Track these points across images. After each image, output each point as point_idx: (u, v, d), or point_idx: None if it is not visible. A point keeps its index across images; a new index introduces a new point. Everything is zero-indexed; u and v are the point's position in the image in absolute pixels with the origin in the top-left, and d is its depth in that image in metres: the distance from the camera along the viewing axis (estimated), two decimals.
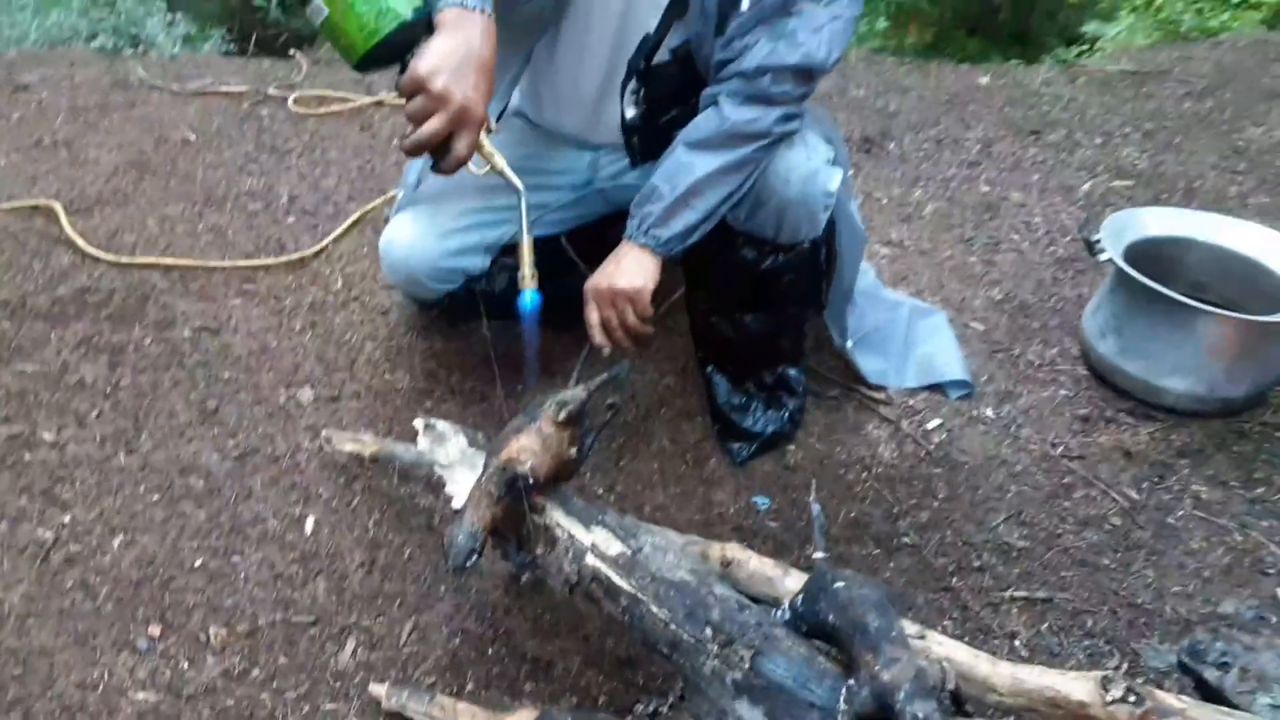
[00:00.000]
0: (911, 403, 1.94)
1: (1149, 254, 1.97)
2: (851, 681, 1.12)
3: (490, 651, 1.47)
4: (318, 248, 2.26)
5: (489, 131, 1.38)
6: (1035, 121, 2.97)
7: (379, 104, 2.95)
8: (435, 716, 1.34)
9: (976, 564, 1.63)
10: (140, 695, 1.38)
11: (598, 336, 1.58)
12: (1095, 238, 1.91)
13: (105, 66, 3.22)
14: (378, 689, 1.37)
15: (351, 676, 1.42)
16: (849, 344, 1.91)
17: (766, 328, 1.74)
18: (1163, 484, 1.77)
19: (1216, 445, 1.85)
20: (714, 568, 1.39)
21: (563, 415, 1.36)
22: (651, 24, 1.53)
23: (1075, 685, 1.17)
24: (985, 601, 1.57)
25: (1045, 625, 1.53)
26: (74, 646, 1.43)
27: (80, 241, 2.21)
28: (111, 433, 1.77)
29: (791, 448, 1.83)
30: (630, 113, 1.62)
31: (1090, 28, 7.15)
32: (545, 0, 1.52)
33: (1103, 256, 1.89)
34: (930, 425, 1.89)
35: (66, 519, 1.61)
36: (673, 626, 1.23)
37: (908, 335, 2.02)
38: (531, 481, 1.30)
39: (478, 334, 1.99)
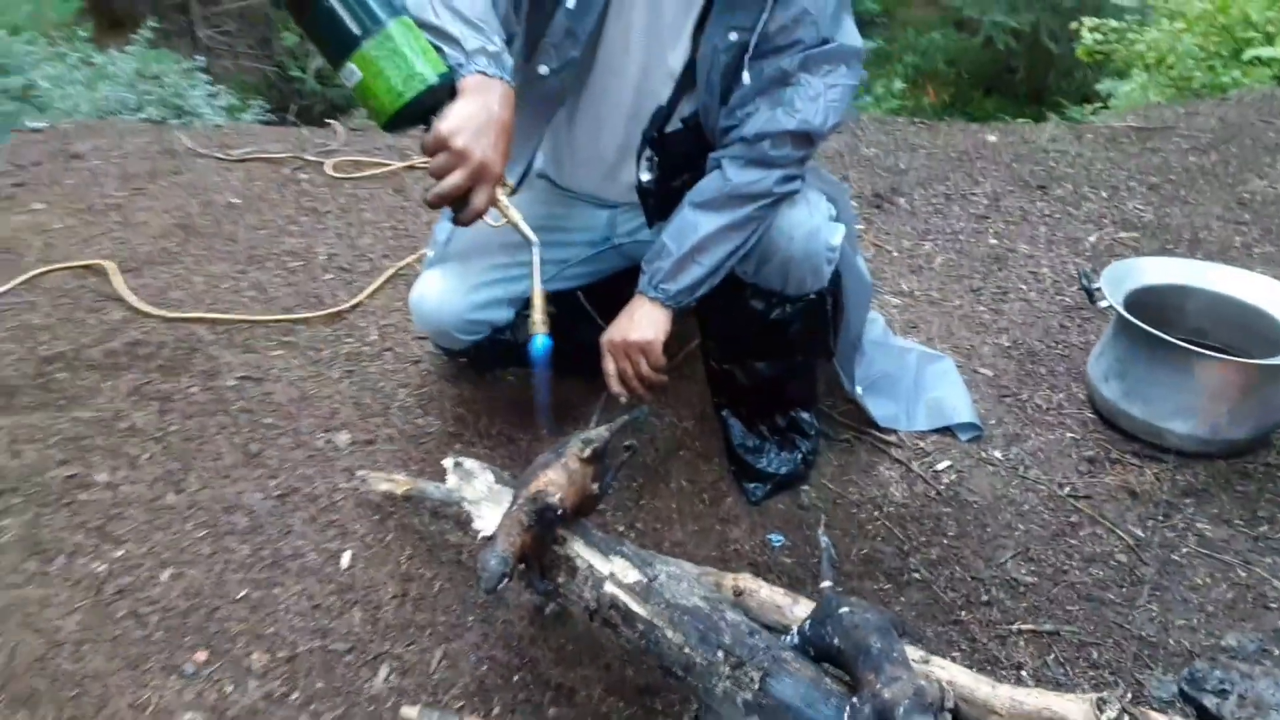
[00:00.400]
0: (922, 445, 2.01)
1: (1149, 301, 2.05)
2: (855, 700, 1.19)
3: (516, 678, 1.55)
4: (354, 302, 2.38)
5: (506, 189, 1.48)
6: (1042, 176, 3.07)
7: (411, 168, 3.10)
8: None
9: (985, 598, 1.69)
10: (187, 716, 1.46)
11: (614, 386, 1.68)
12: (1095, 286, 1.99)
13: (153, 136, 3.41)
14: (409, 711, 1.45)
15: (384, 700, 1.50)
16: (859, 390, 2.00)
17: (777, 373, 1.83)
18: (1167, 522, 1.83)
19: (1221, 485, 1.90)
20: (727, 596, 1.46)
21: (587, 452, 1.45)
22: (664, 95, 1.65)
23: (1071, 707, 1.23)
24: (993, 634, 1.63)
25: (1051, 657, 1.58)
26: (126, 670, 1.52)
27: (131, 298, 2.35)
28: (161, 474, 1.87)
29: (805, 488, 1.91)
30: (645, 177, 1.73)
31: (1104, 86, 7.28)
32: (566, 74, 1.64)
33: (1102, 303, 1.97)
34: (940, 466, 1.96)
35: (119, 553, 1.71)
36: (687, 650, 1.31)
37: (917, 380, 2.10)
38: (560, 512, 1.38)
39: (504, 382, 2.10)
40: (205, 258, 2.57)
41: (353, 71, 1.37)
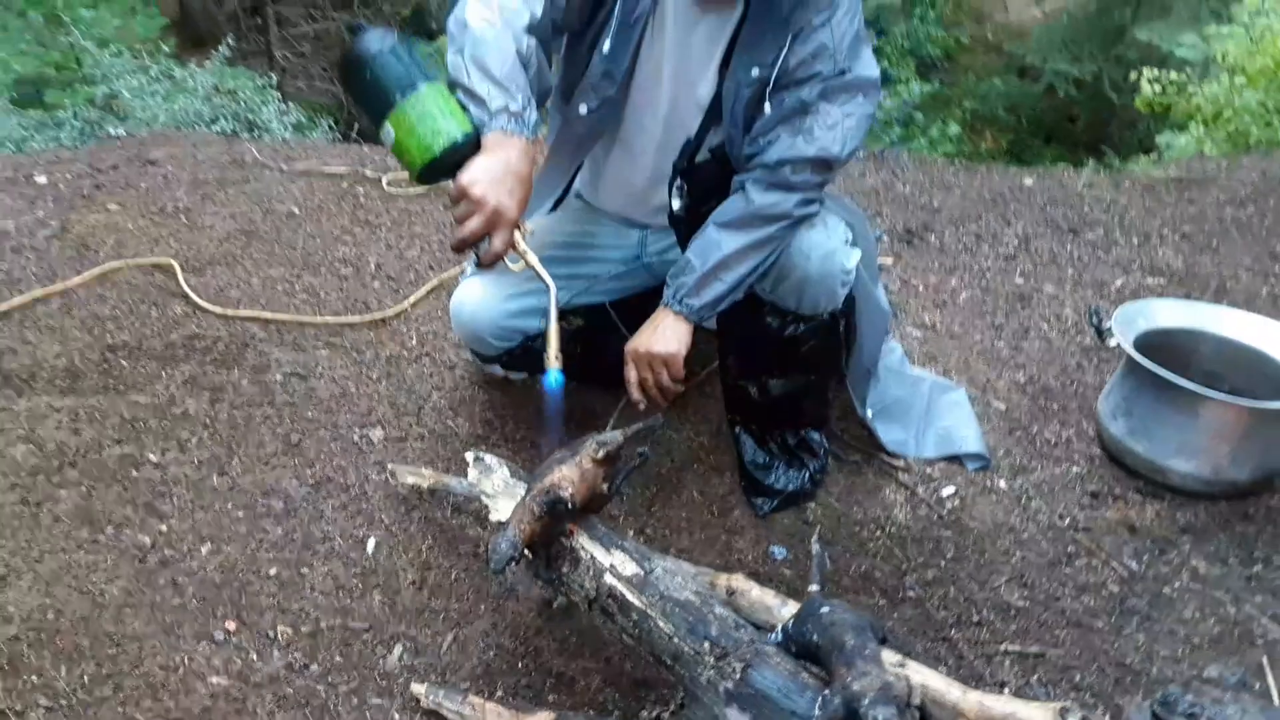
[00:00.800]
0: (929, 471, 2.07)
1: (1161, 343, 2.10)
2: (826, 691, 1.27)
3: (520, 665, 1.64)
4: (398, 309, 2.51)
5: (525, 234, 1.60)
6: (1075, 220, 3.12)
7: None
8: (466, 715, 1.51)
9: (975, 619, 1.75)
10: (214, 679, 1.58)
11: (634, 394, 1.78)
12: (1106, 325, 2.05)
13: (224, 147, 3.60)
14: (418, 688, 1.56)
15: (396, 677, 1.61)
16: (869, 413, 2.07)
17: (789, 391, 1.91)
18: (1163, 557, 1.87)
19: (1220, 525, 1.94)
20: (720, 594, 1.54)
21: (601, 454, 1.54)
22: (692, 128, 1.77)
23: (1036, 714, 1.29)
24: (980, 653, 1.69)
25: (1035, 677, 1.64)
26: (161, 634, 1.64)
27: (193, 295, 2.50)
28: (208, 458, 2.01)
29: (812, 505, 1.98)
30: (676, 204, 1.84)
31: (1164, 138, 7.25)
32: (604, 111, 1.76)
33: (1111, 342, 2.02)
34: (945, 492, 2.02)
35: (164, 528, 1.84)
36: (676, 640, 1.39)
37: (928, 409, 2.16)
38: (570, 506, 1.48)
39: (532, 390, 2.21)
40: (264, 261, 2.73)
41: (389, 131, 1.54)
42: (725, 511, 1.97)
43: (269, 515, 1.89)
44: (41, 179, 3.12)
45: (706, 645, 1.37)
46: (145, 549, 1.80)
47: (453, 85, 1.57)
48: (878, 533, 1.93)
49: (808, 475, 1.99)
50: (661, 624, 1.41)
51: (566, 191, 2.00)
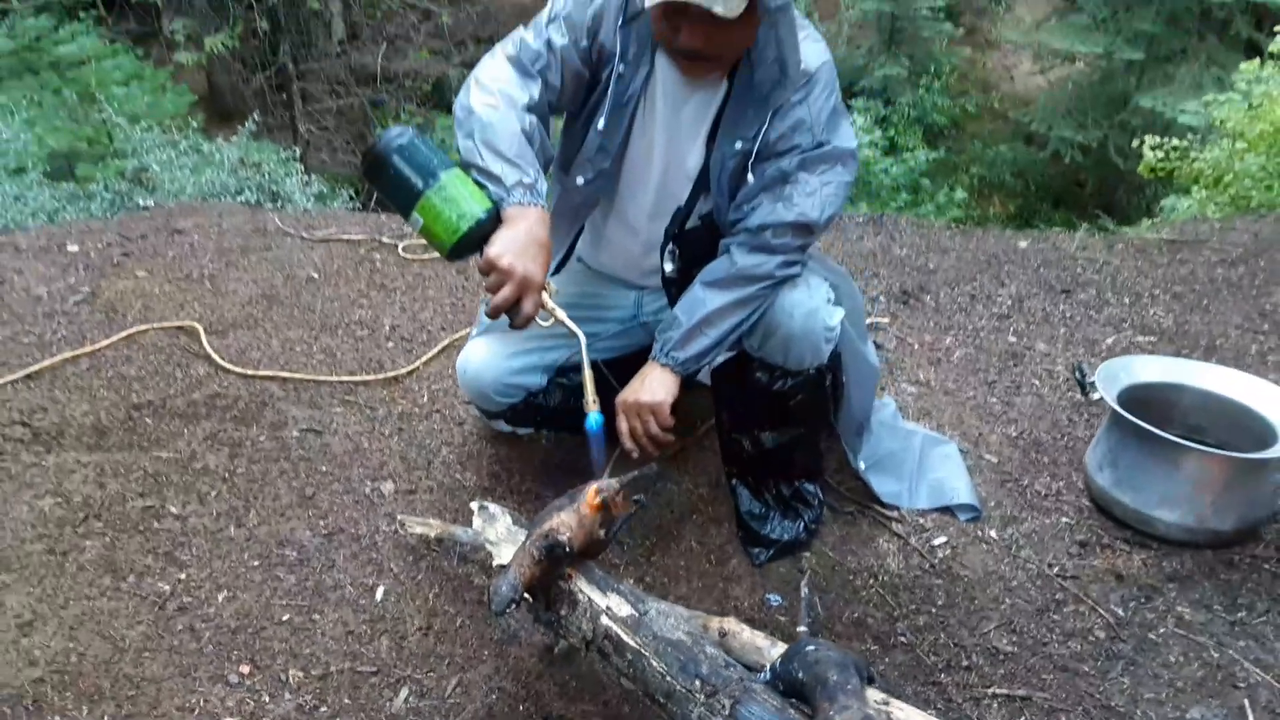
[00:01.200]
0: (922, 521, 2.14)
1: (1145, 397, 2.17)
2: None
3: (521, 708, 1.70)
4: (410, 368, 2.62)
5: (550, 293, 1.71)
6: (1068, 281, 3.21)
7: None
8: None
9: (965, 663, 1.80)
10: None
11: (627, 443, 1.86)
12: (1089, 379, 2.13)
13: (248, 216, 3.76)
14: None
15: (402, 718, 1.67)
16: (863, 466, 2.14)
17: (781, 444, 1.99)
18: (1149, 604, 1.92)
19: (1205, 573, 1.99)
20: (712, 636, 1.61)
21: (598, 500, 1.62)
22: (682, 196, 1.89)
23: None
24: (969, 696, 1.73)
25: (1021, 719, 1.68)
26: (178, 677, 1.72)
27: (215, 356, 2.62)
28: (226, 509, 2.10)
29: (807, 554, 2.04)
30: (669, 267, 1.95)
31: (1167, 202, 7.36)
32: (599, 182, 1.88)
33: (1095, 395, 2.10)
34: (937, 541, 2.08)
35: (183, 576, 1.93)
36: (668, 678, 1.46)
37: (921, 461, 2.24)
38: (568, 551, 1.55)
39: (537, 444, 2.29)
40: (284, 324, 2.84)
41: (417, 219, 1.68)
42: (723, 560, 2.03)
43: (283, 564, 1.97)
44: (73, 247, 3.27)
45: (697, 683, 1.43)
46: (165, 596, 1.88)
47: (467, 166, 1.70)
48: (871, 581, 1.99)
49: (803, 525, 2.05)
50: (654, 663, 1.47)
51: (568, 255, 2.10)
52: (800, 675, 1.40)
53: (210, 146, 5.88)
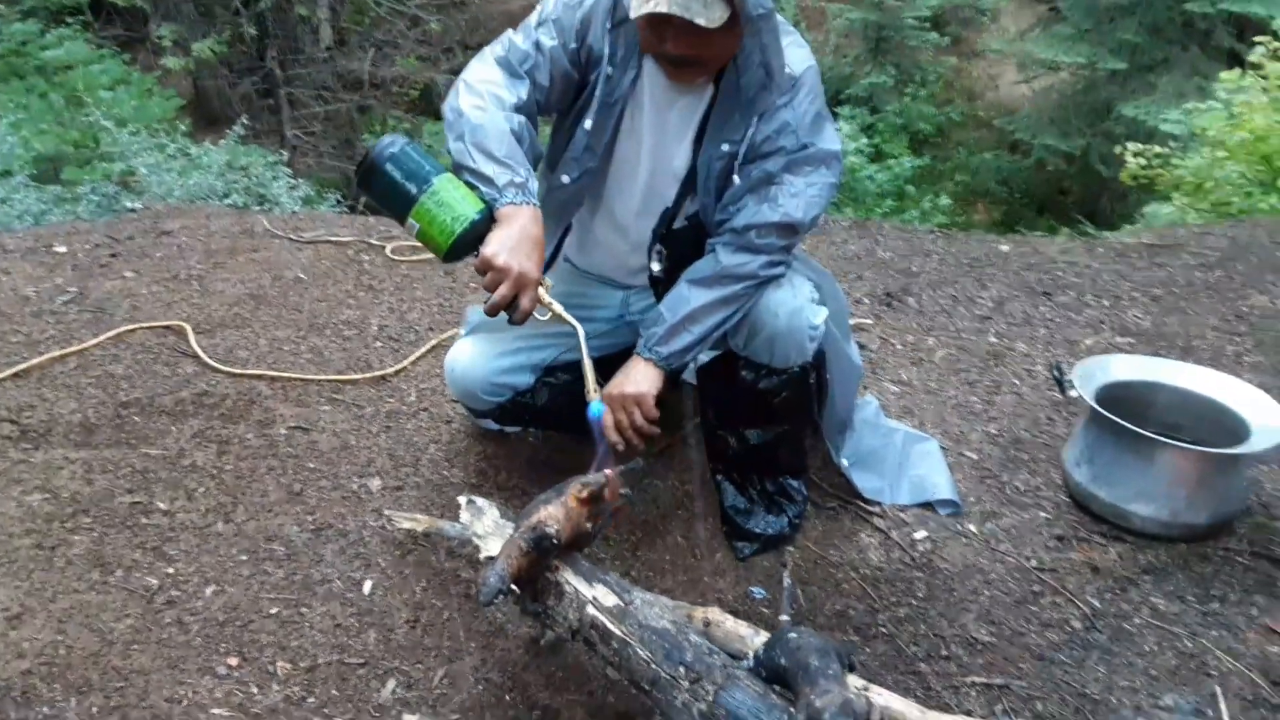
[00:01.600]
0: (903, 516, 2.17)
1: (1122, 395, 2.20)
2: (792, 709, 1.35)
3: (508, 698, 1.72)
4: (398, 367, 2.64)
5: (547, 288, 1.74)
6: (1048, 284, 3.25)
7: None
8: None
9: (944, 653, 1.83)
10: (216, 711, 1.66)
11: (612, 435, 1.88)
12: (1066, 377, 2.16)
13: (236, 219, 3.77)
14: (410, 718, 1.63)
15: (389, 709, 1.68)
16: (846, 463, 2.17)
17: (766, 440, 2.02)
18: (1124, 595, 1.95)
19: (1179, 565, 2.02)
20: (696, 625, 1.63)
21: (585, 494, 1.65)
22: (670, 197, 1.92)
23: None
24: (948, 684, 1.76)
25: (999, 707, 1.71)
26: (167, 669, 1.73)
27: (203, 355, 2.63)
28: (214, 505, 2.11)
29: (791, 549, 2.07)
30: (656, 267, 1.98)
31: (1149, 209, 7.44)
32: (585, 181, 1.91)
33: (1072, 392, 2.13)
34: (917, 536, 2.11)
35: (171, 570, 1.94)
36: (653, 666, 1.48)
37: (902, 458, 2.27)
38: (555, 542, 1.58)
39: (524, 442, 2.32)
40: (272, 324, 2.86)
41: (413, 224, 1.71)
42: (708, 554, 2.05)
43: (271, 559, 1.99)
44: (61, 249, 3.28)
45: (682, 670, 1.46)
46: (153, 590, 1.89)
47: (458, 169, 1.73)
48: (853, 574, 2.01)
49: (787, 520, 2.08)
50: (640, 651, 1.49)
51: (555, 254, 2.13)
52: (783, 661, 1.43)
53: (198, 150, 5.89)
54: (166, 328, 2.78)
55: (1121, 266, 3.43)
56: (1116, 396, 2.20)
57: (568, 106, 1.88)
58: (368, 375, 2.60)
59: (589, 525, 1.67)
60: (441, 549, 2.01)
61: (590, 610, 1.56)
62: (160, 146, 5.83)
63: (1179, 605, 1.92)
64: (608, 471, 1.67)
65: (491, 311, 1.69)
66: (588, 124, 1.84)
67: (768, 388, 1.92)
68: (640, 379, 1.84)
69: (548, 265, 2.13)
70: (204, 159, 5.72)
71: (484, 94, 1.74)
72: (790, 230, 1.81)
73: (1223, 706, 1.68)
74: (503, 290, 1.65)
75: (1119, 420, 2.04)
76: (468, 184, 1.71)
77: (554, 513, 1.61)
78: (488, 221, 1.69)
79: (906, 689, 1.74)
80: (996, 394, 2.63)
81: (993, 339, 2.90)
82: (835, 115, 7.93)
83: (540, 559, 1.60)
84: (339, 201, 6.54)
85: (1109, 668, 1.78)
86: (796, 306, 1.85)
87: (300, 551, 2.01)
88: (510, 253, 1.64)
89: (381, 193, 1.71)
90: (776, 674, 1.45)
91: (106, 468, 2.19)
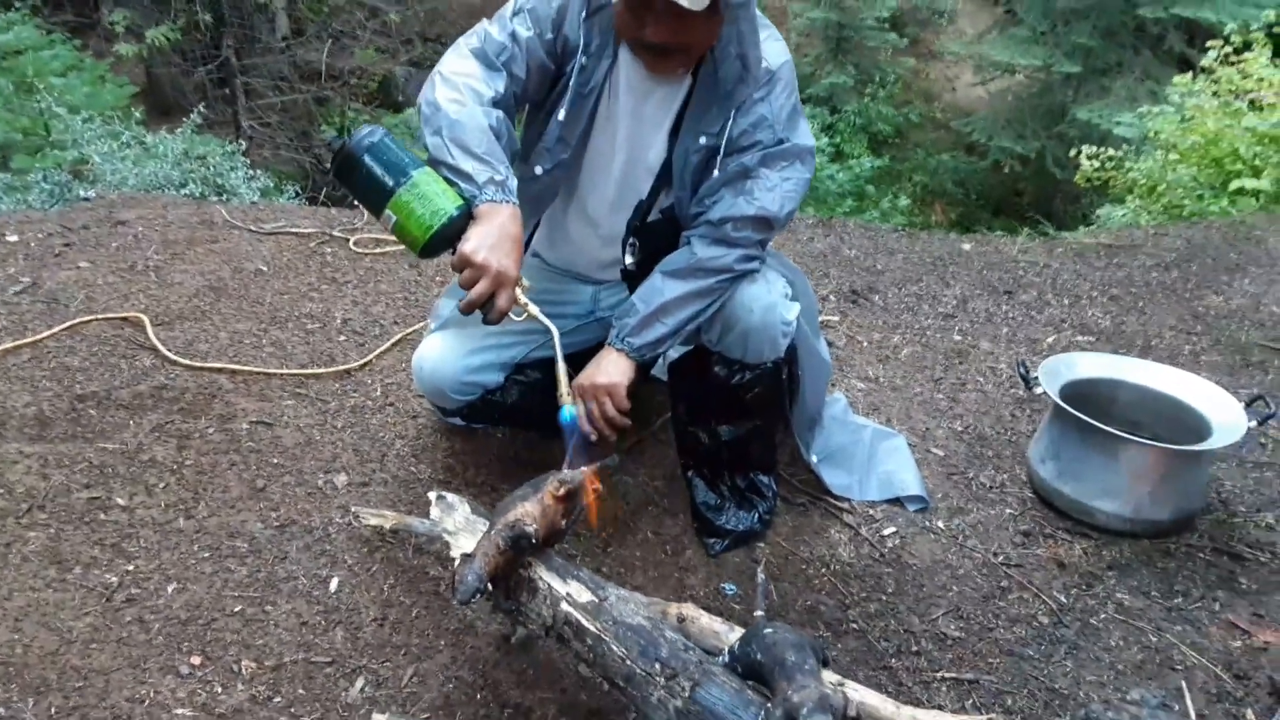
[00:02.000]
0: (872, 512, 2.18)
1: (1085, 392, 2.24)
2: (769, 705, 1.35)
3: (479, 696, 1.70)
4: (362, 361, 2.60)
5: (524, 288, 1.72)
6: (1010, 283, 3.30)
7: None
8: None
9: (915, 649, 1.84)
10: (179, 711, 1.62)
11: (584, 426, 1.87)
12: (1032, 375, 2.19)
13: (194, 209, 3.69)
14: (379, 718, 1.61)
15: (358, 708, 1.66)
16: (815, 459, 2.18)
17: (737, 437, 2.02)
18: (1090, 591, 1.98)
19: (1143, 561, 2.06)
20: (670, 622, 1.62)
21: (561, 491, 1.63)
22: (644, 190, 1.90)
23: None
24: (919, 680, 1.77)
25: (970, 702, 1.73)
26: (127, 668, 1.69)
27: (161, 348, 2.57)
28: (174, 501, 2.06)
29: (761, 545, 2.07)
30: (629, 260, 1.97)
31: (1103, 211, 7.57)
32: (558, 173, 1.89)
33: (1038, 389, 2.16)
34: (886, 532, 2.12)
35: (130, 568, 1.89)
36: (629, 662, 1.47)
37: (870, 455, 2.28)
38: (534, 541, 1.56)
39: (493, 438, 2.29)
40: (232, 316, 2.80)
41: (389, 217, 1.67)
42: (679, 551, 2.05)
43: (234, 556, 1.94)
44: (13, 237, 3.19)
45: (657, 666, 1.45)
46: (112, 588, 1.84)
47: (436, 164, 1.70)
48: (823, 570, 2.02)
49: (757, 516, 2.08)
50: (615, 647, 1.48)
51: (524, 249, 2.11)
52: (759, 657, 1.43)
53: (153, 139, 5.76)
54: (123, 319, 2.72)
55: (1081, 266, 3.49)
56: (1080, 393, 2.23)
57: (543, 98, 1.87)
58: (332, 369, 2.56)
59: (563, 522, 1.65)
60: (409, 546, 1.98)
61: (564, 606, 1.55)
62: (114, 134, 5.68)
63: (1144, 601, 1.95)
64: (584, 469, 1.66)
65: (467, 309, 1.67)
66: (561, 115, 1.83)
67: (740, 383, 1.92)
68: (612, 369, 1.83)
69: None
70: (159, 148, 5.59)
71: (461, 87, 1.72)
72: (765, 224, 1.81)
73: (1188, 700, 1.71)
74: (480, 288, 1.63)
75: (1084, 417, 2.07)
76: (446, 179, 1.68)
77: (531, 510, 1.60)
78: (466, 218, 1.66)
79: (878, 684, 1.75)
80: (961, 391, 2.66)
81: (957, 337, 2.93)
82: None
83: (517, 557, 1.58)
84: (298, 194, 6.43)
85: (1076, 662, 1.80)
86: (771, 302, 1.85)
87: (264, 548, 1.97)
88: (489, 250, 1.62)
89: (358, 184, 1.68)
90: (752, 669, 1.44)
91: (62, 462, 2.13)
